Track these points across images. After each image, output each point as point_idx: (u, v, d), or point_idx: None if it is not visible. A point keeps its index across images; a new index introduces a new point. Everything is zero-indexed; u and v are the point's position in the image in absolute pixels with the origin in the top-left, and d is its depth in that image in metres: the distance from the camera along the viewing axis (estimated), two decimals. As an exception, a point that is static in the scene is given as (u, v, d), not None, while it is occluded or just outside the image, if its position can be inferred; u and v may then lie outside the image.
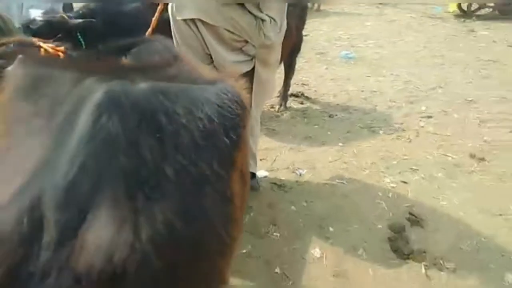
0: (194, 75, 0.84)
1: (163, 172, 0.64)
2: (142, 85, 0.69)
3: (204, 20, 1.88)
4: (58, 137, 0.64)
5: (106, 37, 1.40)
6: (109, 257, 0.55)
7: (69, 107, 0.67)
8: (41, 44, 1.24)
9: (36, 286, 0.54)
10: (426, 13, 9.15)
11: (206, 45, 1.96)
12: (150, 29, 1.76)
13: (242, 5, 1.93)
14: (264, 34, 2.00)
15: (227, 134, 0.71)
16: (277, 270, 1.96)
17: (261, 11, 1.97)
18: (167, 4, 1.92)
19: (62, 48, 1.28)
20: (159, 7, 1.92)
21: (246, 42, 2.02)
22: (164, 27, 1.95)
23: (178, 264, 0.65)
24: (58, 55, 1.26)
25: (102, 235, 0.56)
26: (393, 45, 6.48)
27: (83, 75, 0.72)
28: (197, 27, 1.91)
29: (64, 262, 0.56)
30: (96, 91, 0.67)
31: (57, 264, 0.56)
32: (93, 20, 1.53)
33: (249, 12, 1.95)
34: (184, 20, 1.89)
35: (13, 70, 0.75)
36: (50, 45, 1.29)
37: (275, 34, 2.05)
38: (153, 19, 1.81)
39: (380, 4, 9.69)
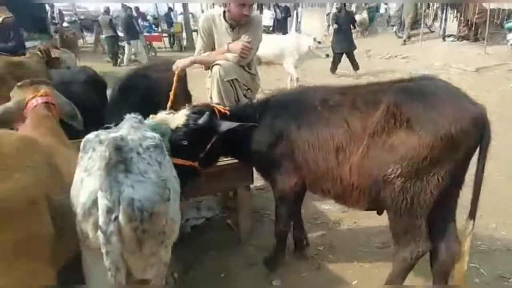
0: None
1: None
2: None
3: (237, 78, 3.06)
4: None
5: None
6: None
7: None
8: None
9: None
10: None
11: (237, 93, 3.12)
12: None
13: (243, 68, 3.22)
14: (256, 82, 3.35)
15: None
16: None
17: (250, 69, 3.32)
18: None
19: None
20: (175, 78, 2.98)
21: (247, 88, 3.30)
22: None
23: None
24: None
25: None
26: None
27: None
28: (233, 83, 3.06)
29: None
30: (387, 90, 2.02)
31: None
32: None
33: (247, 71, 3.27)
34: (228, 80, 3.01)
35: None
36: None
37: (259, 81, 3.43)
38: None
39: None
